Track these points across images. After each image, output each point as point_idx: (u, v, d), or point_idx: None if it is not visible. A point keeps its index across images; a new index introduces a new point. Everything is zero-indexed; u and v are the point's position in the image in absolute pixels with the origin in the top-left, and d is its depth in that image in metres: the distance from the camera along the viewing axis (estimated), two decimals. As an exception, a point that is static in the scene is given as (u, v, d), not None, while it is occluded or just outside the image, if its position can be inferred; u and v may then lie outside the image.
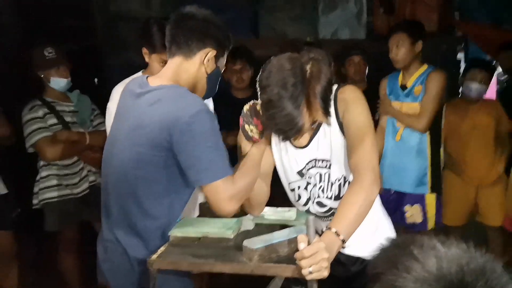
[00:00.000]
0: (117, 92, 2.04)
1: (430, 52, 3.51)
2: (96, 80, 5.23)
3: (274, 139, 1.64)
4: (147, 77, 1.55)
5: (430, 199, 2.75)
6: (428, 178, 2.74)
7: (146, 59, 2.08)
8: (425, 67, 2.75)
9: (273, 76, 1.32)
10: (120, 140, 1.51)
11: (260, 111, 1.45)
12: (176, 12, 1.52)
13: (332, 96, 1.46)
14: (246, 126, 1.48)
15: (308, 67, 1.32)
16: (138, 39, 2.11)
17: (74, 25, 4.23)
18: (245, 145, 1.57)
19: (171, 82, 1.49)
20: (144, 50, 2.06)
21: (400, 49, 2.66)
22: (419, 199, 2.77)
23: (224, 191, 1.39)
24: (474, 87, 2.97)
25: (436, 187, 2.77)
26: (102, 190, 1.63)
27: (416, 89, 2.72)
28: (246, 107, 1.53)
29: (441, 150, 2.81)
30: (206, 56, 1.49)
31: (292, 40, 4.14)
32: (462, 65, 4.49)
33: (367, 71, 3.34)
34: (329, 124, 1.44)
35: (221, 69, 1.61)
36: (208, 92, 1.61)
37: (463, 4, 4.49)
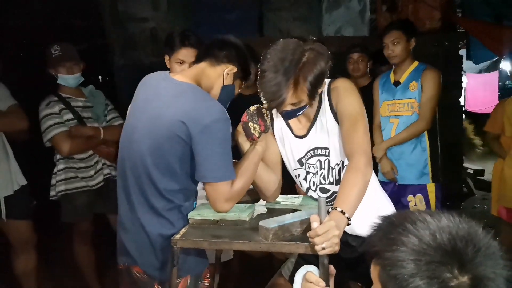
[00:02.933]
0: None
1: (433, 48, 3.60)
2: (100, 78, 5.30)
3: (276, 130, 1.75)
4: (168, 73, 1.67)
5: (431, 188, 2.83)
6: (429, 169, 2.83)
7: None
8: (416, 63, 2.87)
9: (275, 52, 1.48)
10: (139, 128, 1.60)
11: (264, 115, 1.62)
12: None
13: (325, 89, 1.61)
14: (250, 124, 1.61)
15: (307, 53, 1.47)
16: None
17: (83, 25, 4.33)
18: (242, 141, 1.70)
19: (193, 82, 1.62)
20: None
21: (396, 46, 2.80)
22: (422, 189, 2.84)
23: (223, 192, 1.55)
24: None
25: (436, 177, 2.84)
26: (118, 175, 1.71)
27: (411, 85, 2.82)
28: (253, 107, 1.66)
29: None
30: (228, 69, 1.68)
31: (295, 38, 4.21)
32: (464, 60, 4.56)
33: (369, 66, 3.44)
34: (311, 106, 1.57)
35: (235, 90, 1.76)
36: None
37: (465, 1, 4.56)
